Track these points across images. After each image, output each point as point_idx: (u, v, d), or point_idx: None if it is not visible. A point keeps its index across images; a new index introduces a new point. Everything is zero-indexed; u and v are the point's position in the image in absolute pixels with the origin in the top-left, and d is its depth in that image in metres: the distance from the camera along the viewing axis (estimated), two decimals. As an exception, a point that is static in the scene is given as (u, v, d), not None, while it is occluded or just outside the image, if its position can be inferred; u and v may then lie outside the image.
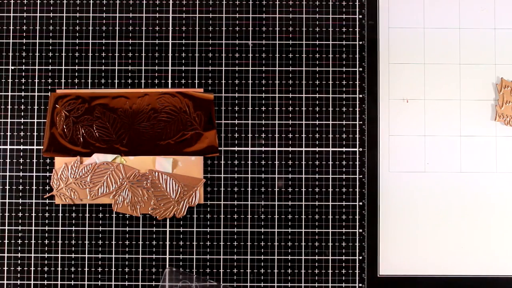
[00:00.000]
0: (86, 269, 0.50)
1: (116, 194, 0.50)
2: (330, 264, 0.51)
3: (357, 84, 0.52)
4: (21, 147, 0.51)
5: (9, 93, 0.51)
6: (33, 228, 0.51)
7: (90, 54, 0.52)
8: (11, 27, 0.52)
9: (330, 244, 0.51)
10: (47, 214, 0.51)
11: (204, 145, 0.50)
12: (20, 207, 0.51)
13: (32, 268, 0.50)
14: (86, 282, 0.50)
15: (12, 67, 0.52)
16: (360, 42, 0.52)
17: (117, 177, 0.50)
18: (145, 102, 0.50)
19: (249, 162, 0.51)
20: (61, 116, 0.50)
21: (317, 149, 0.51)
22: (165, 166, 0.50)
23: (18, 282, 0.50)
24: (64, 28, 0.52)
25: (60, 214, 0.51)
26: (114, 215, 0.51)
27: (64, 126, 0.50)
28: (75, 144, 0.50)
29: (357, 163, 0.51)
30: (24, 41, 0.52)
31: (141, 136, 0.50)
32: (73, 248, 0.50)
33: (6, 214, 0.51)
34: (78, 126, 0.50)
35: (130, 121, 0.50)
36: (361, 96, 0.51)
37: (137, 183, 0.50)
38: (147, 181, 0.50)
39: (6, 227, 0.51)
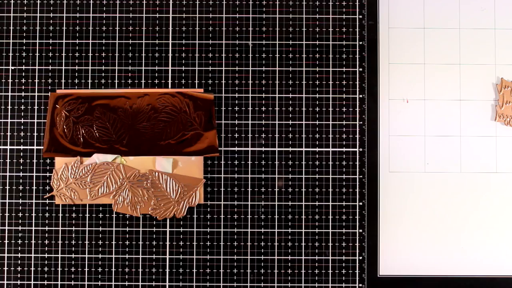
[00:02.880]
0: (86, 269, 0.50)
1: (116, 194, 0.50)
2: (330, 264, 0.51)
3: (357, 84, 0.52)
4: (21, 147, 0.51)
5: (9, 93, 0.51)
6: (33, 228, 0.51)
7: (90, 54, 0.52)
8: (11, 27, 0.52)
9: (330, 244, 0.51)
10: (47, 214, 0.51)
11: (204, 145, 0.50)
12: (20, 207, 0.51)
13: (32, 268, 0.50)
14: (86, 282, 0.50)
15: (12, 67, 0.52)
16: (360, 42, 0.52)
17: (117, 177, 0.50)
18: (145, 102, 0.50)
19: (249, 162, 0.51)
20: (61, 116, 0.50)
21: (317, 149, 0.51)
22: (165, 166, 0.50)
23: (18, 282, 0.50)
24: (64, 28, 0.52)
25: (60, 214, 0.51)
26: (114, 215, 0.51)
27: (64, 127, 0.50)
28: (75, 144, 0.50)
29: (357, 163, 0.51)
30: (24, 41, 0.52)
31: (141, 136, 0.50)
32: (73, 248, 0.50)
33: (6, 214, 0.51)
34: (78, 126, 0.50)
35: (130, 121, 0.50)
36: (361, 96, 0.51)
37: (137, 183, 0.50)
38: (147, 181, 0.50)
39: (6, 227, 0.51)
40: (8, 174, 0.51)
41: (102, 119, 0.50)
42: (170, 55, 0.52)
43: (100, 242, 0.51)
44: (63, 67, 0.52)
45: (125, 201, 0.50)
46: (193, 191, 0.50)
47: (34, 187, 0.51)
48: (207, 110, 0.50)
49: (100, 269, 0.50)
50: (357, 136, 0.51)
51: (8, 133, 0.51)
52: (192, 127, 0.50)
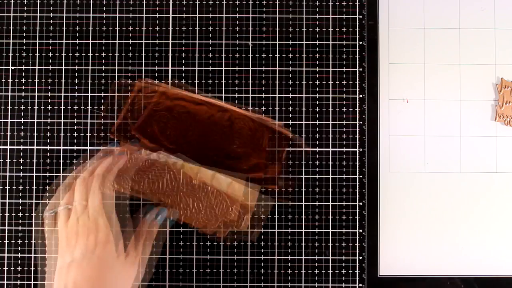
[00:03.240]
0: (86, 269, 0.50)
1: (168, 197, 0.50)
2: (330, 264, 0.51)
3: (357, 84, 0.52)
4: (21, 147, 0.51)
5: (9, 93, 0.51)
6: (33, 228, 0.50)
7: (90, 54, 0.52)
8: (11, 27, 0.52)
9: (330, 244, 0.51)
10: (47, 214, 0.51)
11: (266, 174, 0.50)
12: (20, 207, 0.51)
13: (32, 268, 0.50)
14: (86, 282, 0.50)
15: (12, 67, 0.52)
16: (360, 42, 0.52)
17: (173, 181, 0.49)
18: (225, 118, 0.50)
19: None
20: (139, 105, 0.50)
21: (317, 149, 0.51)
22: (222, 184, 0.49)
23: (18, 282, 0.50)
24: (64, 28, 0.52)
25: (60, 214, 0.51)
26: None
27: (139, 116, 0.50)
28: (144, 135, 0.50)
29: (357, 163, 0.51)
30: (24, 41, 0.52)
31: (209, 148, 0.50)
32: (73, 248, 0.50)
33: (6, 214, 0.51)
34: (153, 121, 0.50)
35: (204, 131, 0.50)
36: (361, 96, 0.51)
37: (191, 192, 0.49)
38: (201, 193, 0.49)
39: (6, 227, 0.51)
40: (8, 174, 0.51)
41: (178, 120, 0.50)
42: (170, 55, 0.52)
43: (100, 242, 0.51)
44: (63, 67, 0.52)
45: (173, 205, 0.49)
46: (241, 216, 0.50)
47: (34, 187, 0.51)
48: (281, 147, 0.50)
49: (100, 269, 0.50)
50: (357, 136, 0.51)
51: (8, 133, 0.51)
52: (260, 155, 0.50)
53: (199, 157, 0.50)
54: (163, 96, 0.50)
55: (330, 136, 0.51)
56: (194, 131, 0.50)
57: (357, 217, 0.51)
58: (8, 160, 0.51)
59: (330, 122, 0.51)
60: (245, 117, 0.50)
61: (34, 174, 0.51)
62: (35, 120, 0.51)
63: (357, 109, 0.51)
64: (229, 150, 0.50)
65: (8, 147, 0.51)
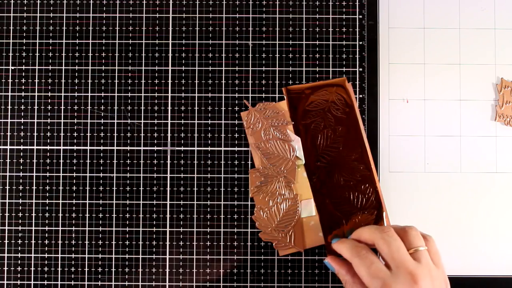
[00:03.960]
0: (86, 269, 0.50)
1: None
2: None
3: (357, 84, 0.52)
4: (21, 147, 0.51)
5: (9, 93, 0.51)
6: (33, 228, 0.51)
7: (90, 54, 0.52)
8: (11, 27, 0.52)
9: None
10: (47, 214, 0.51)
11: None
12: (20, 207, 0.51)
13: (32, 268, 0.50)
14: (86, 282, 0.50)
15: (12, 67, 0.52)
16: (360, 42, 0.52)
17: (281, 160, 0.50)
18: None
19: (249, 162, 0.51)
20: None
21: (317, 149, 0.51)
22: (305, 209, 0.50)
23: (18, 282, 0.50)
24: (64, 28, 0.52)
25: (60, 214, 0.51)
26: (114, 215, 0.51)
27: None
28: (297, 132, 0.50)
29: (357, 163, 0.51)
30: (24, 41, 0.52)
31: (336, 181, 0.50)
32: (73, 248, 0.51)
33: (6, 214, 0.51)
34: (310, 128, 0.50)
35: (344, 158, 0.50)
36: (361, 96, 0.52)
37: (286, 181, 0.50)
38: (282, 202, 0.50)
39: (6, 227, 0.51)
40: (8, 174, 0.51)
41: (331, 135, 0.50)
42: (170, 55, 0.52)
43: (100, 242, 0.51)
44: (63, 67, 0.52)
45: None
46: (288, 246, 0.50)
47: (34, 187, 0.51)
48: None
49: (100, 269, 0.50)
50: (357, 136, 0.51)
51: (8, 133, 0.51)
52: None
53: (325, 179, 0.50)
54: (328, 115, 0.50)
55: (330, 136, 0.51)
56: (338, 155, 0.50)
57: (357, 217, 0.51)
58: (8, 160, 0.51)
59: (330, 122, 0.51)
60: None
61: (34, 174, 0.51)
62: (35, 120, 0.51)
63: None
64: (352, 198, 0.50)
65: (8, 147, 0.51)
